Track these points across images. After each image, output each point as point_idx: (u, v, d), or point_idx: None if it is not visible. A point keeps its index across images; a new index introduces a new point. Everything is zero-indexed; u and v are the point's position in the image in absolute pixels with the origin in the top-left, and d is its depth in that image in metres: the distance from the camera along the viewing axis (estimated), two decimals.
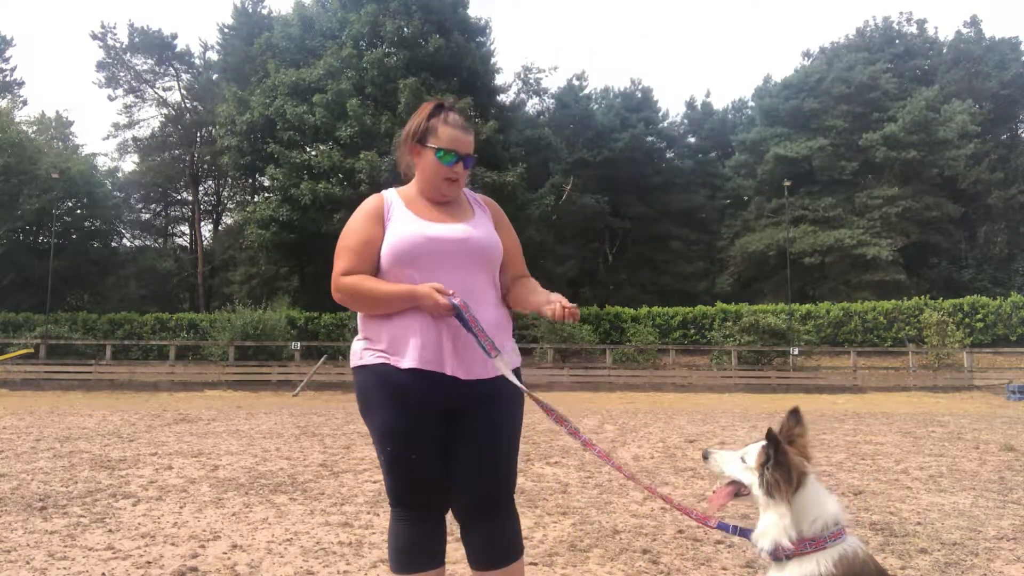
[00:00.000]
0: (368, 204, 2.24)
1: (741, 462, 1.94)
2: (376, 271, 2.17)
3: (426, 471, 2.14)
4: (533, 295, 2.25)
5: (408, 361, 2.09)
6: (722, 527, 2.09)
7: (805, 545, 1.80)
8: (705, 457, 2.04)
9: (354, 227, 2.20)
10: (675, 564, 3.52)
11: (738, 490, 1.96)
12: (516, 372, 2.22)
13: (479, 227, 2.24)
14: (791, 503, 1.82)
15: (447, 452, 2.16)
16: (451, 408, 2.14)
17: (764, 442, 1.88)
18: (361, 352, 2.19)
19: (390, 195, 2.27)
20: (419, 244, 2.13)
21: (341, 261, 2.17)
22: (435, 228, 2.17)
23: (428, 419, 2.12)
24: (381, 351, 2.13)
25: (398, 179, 2.44)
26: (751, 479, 1.90)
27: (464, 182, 2.29)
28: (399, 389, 2.10)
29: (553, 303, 2.10)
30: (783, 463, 1.83)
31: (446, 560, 2.28)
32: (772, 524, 1.85)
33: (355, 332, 2.29)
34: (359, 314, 2.22)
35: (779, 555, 1.82)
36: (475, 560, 2.23)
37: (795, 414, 1.99)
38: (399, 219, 2.18)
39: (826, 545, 1.79)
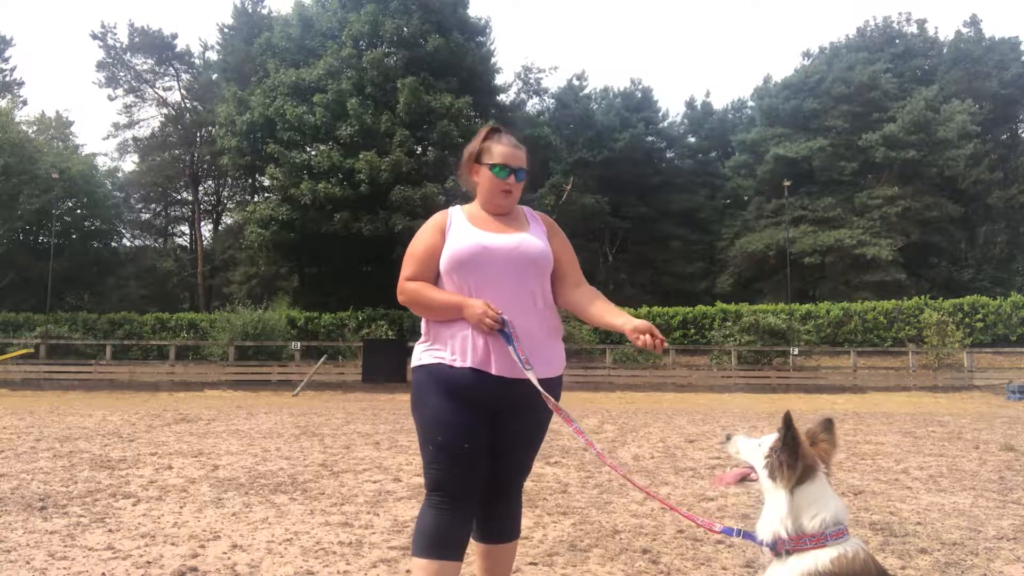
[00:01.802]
0: (434, 218, 2.49)
1: (758, 448, 1.96)
2: (438, 277, 2.40)
3: (471, 461, 2.31)
4: (610, 315, 2.37)
5: (460, 361, 2.30)
6: (726, 531, 2.12)
7: (804, 541, 1.79)
8: (727, 438, 2.09)
9: (420, 238, 2.46)
10: (675, 564, 3.52)
11: (748, 475, 1.98)
12: (558, 379, 2.44)
13: (532, 237, 2.44)
14: (793, 493, 1.82)
15: (489, 447, 2.36)
16: (496, 407, 2.35)
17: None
18: (420, 354, 2.42)
19: (454, 210, 2.52)
20: (475, 252, 2.34)
21: (407, 268, 2.43)
22: (490, 238, 2.39)
23: (475, 414, 2.32)
24: (437, 352, 2.36)
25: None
26: (760, 465, 1.91)
27: (518, 194, 2.49)
28: (451, 385, 2.31)
29: (642, 333, 2.20)
30: (792, 449, 1.83)
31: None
32: (771, 514, 1.85)
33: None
34: (423, 319, 2.44)
35: (779, 549, 1.82)
36: (483, 534, 2.49)
37: (828, 422, 2.00)
38: (459, 230, 2.42)
39: (826, 543, 1.78)
